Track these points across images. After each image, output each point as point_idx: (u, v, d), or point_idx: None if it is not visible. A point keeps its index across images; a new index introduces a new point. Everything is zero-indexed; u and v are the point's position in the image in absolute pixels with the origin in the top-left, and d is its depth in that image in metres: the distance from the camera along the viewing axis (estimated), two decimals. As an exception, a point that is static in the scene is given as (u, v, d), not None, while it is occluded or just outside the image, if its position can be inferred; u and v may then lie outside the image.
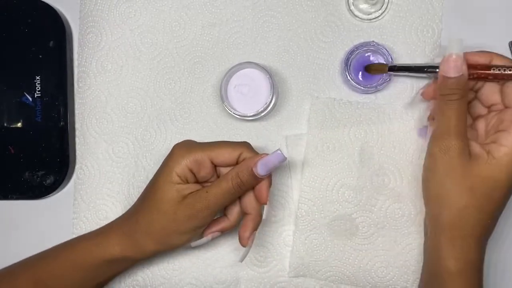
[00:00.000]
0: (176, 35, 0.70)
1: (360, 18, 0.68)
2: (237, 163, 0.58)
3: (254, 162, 0.56)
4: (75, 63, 0.71)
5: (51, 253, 0.62)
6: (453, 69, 0.55)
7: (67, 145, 0.69)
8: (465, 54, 0.56)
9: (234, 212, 0.61)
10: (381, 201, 0.67)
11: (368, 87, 0.66)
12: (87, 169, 0.70)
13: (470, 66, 0.57)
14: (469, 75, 0.56)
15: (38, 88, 0.68)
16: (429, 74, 0.62)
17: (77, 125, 0.71)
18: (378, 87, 0.66)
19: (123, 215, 0.63)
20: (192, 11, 0.70)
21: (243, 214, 0.60)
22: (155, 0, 0.70)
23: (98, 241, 0.61)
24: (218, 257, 0.69)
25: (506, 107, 0.58)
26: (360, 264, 0.67)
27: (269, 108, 0.66)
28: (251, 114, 0.65)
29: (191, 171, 0.58)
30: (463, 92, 0.55)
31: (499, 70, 0.56)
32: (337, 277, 0.67)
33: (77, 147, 0.71)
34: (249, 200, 0.59)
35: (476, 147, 0.56)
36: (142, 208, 0.60)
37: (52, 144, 0.68)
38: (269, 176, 0.58)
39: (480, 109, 0.61)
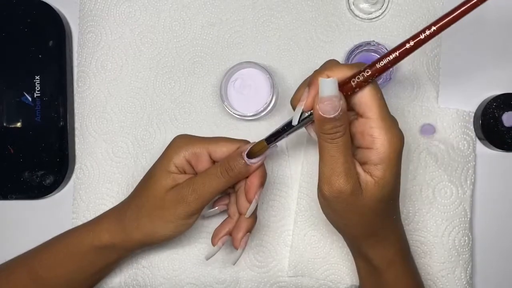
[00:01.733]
0: (176, 35, 0.70)
1: (360, 17, 0.68)
2: None
3: (244, 147, 0.56)
4: (75, 62, 0.71)
5: (46, 244, 0.63)
6: (331, 110, 0.48)
7: (67, 145, 0.69)
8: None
9: (236, 212, 0.60)
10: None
11: (368, 87, 0.65)
12: (86, 169, 0.70)
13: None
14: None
15: (37, 88, 0.68)
16: (304, 124, 0.54)
17: (76, 125, 0.71)
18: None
19: (119, 203, 0.63)
20: (192, 11, 0.70)
21: (239, 214, 0.60)
22: (155, -1, 0.70)
23: (89, 229, 0.61)
24: (218, 257, 0.69)
25: (361, 117, 0.51)
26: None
27: (269, 108, 0.66)
28: (251, 114, 0.65)
29: (189, 163, 0.58)
30: (345, 126, 0.50)
31: (359, 78, 0.49)
32: (336, 276, 0.67)
33: (77, 147, 0.71)
34: (243, 199, 0.59)
35: (361, 173, 0.51)
36: (134, 194, 0.60)
37: (52, 144, 0.68)
38: (261, 176, 0.58)
39: None
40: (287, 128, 0.54)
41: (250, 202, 0.57)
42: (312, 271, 0.68)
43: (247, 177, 0.58)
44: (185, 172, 0.58)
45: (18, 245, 0.63)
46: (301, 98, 0.52)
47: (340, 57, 0.68)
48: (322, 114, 0.49)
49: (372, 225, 0.54)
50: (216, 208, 0.61)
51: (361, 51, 0.66)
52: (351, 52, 0.66)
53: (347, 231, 0.57)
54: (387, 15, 0.68)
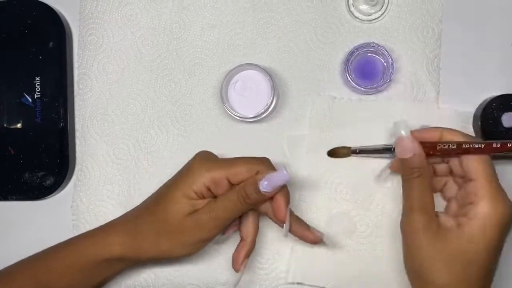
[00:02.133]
0: (176, 37, 0.70)
1: (360, 19, 0.68)
2: None
3: (260, 177, 0.56)
4: (75, 64, 0.71)
5: (50, 252, 0.62)
6: (406, 151, 0.57)
7: (67, 146, 0.69)
8: (413, 132, 0.58)
9: (249, 231, 0.61)
10: (379, 199, 0.67)
11: (368, 88, 0.66)
12: (87, 170, 0.70)
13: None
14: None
15: (38, 89, 0.68)
16: (390, 154, 0.63)
17: (77, 127, 0.71)
18: (379, 88, 0.66)
19: (126, 215, 0.63)
20: (192, 13, 0.70)
21: (240, 239, 0.61)
22: (156, 2, 0.70)
23: (97, 239, 0.61)
24: (220, 259, 0.69)
25: (468, 180, 0.57)
26: (360, 264, 0.67)
27: (269, 110, 0.66)
28: (252, 116, 0.65)
29: (208, 188, 0.58)
30: (421, 170, 0.57)
31: (444, 146, 0.58)
32: (338, 282, 0.67)
33: (78, 148, 0.71)
34: (246, 226, 0.61)
35: (448, 221, 0.57)
36: (150, 214, 0.60)
37: (52, 145, 0.68)
38: (286, 194, 0.59)
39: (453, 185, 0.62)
40: (382, 151, 0.64)
41: (283, 222, 0.58)
42: (311, 279, 0.67)
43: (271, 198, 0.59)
44: (203, 197, 0.58)
45: (18, 245, 0.63)
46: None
47: (340, 59, 0.68)
48: (400, 156, 0.57)
49: (448, 285, 0.55)
50: (242, 268, 0.61)
51: (361, 53, 0.66)
52: (350, 54, 0.66)
53: (420, 279, 0.58)
54: (387, 17, 0.68)
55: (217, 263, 0.69)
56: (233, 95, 0.66)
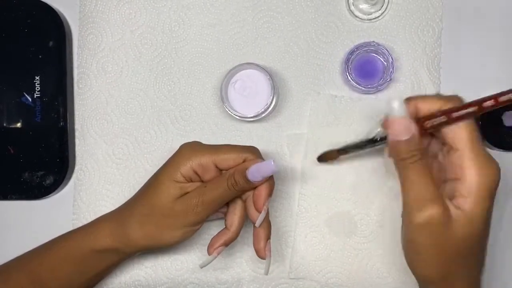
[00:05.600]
0: (176, 36, 0.70)
1: (360, 18, 0.68)
2: None
3: (248, 165, 0.56)
4: (75, 64, 0.71)
5: (45, 247, 0.62)
6: (402, 132, 0.49)
7: (67, 145, 0.69)
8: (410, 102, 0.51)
9: (234, 222, 0.60)
10: (379, 199, 0.67)
11: (368, 87, 0.66)
12: (87, 170, 0.70)
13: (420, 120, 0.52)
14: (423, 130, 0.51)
15: (37, 88, 0.68)
16: (382, 143, 0.57)
17: (77, 126, 0.71)
18: (379, 87, 0.66)
19: (117, 208, 0.63)
20: (192, 12, 0.70)
21: (252, 225, 0.60)
22: (155, 1, 0.70)
23: (89, 232, 0.61)
24: (220, 258, 0.69)
25: (451, 149, 0.50)
26: (360, 263, 0.67)
27: (269, 109, 0.65)
28: (252, 115, 0.65)
29: (195, 173, 0.58)
30: (421, 151, 0.49)
31: (434, 122, 0.50)
32: (337, 278, 0.67)
33: (77, 148, 0.71)
34: (231, 215, 0.60)
35: (449, 205, 0.50)
36: (138, 201, 0.60)
37: (52, 144, 0.68)
38: (269, 185, 0.58)
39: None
40: (362, 144, 0.59)
41: (259, 212, 0.58)
42: (313, 274, 0.67)
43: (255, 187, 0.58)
44: (191, 181, 0.59)
45: (18, 245, 0.63)
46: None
47: (340, 58, 0.68)
48: (395, 138, 0.49)
49: (450, 266, 0.51)
50: (215, 253, 0.59)
51: (361, 52, 0.66)
52: (351, 53, 0.66)
53: (421, 269, 0.52)
54: (387, 16, 0.68)
55: (216, 262, 0.69)
56: (233, 95, 0.66)
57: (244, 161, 0.58)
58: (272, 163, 0.55)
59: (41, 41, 0.68)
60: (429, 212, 0.48)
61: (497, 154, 0.68)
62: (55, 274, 0.61)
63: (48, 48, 0.68)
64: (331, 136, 0.67)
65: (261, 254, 0.59)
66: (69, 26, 0.71)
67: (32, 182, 0.69)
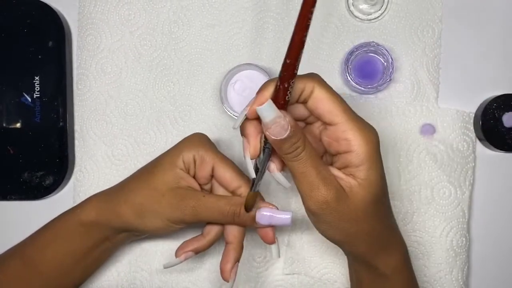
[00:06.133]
0: (175, 37, 0.70)
1: (360, 18, 0.68)
2: (231, 192, 0.58)
3: (260, 206, 0.56)
4: (74, 65, 0.71)
5: (38, 229, 0.62)
6: (281, 131, 0.46)
7: (66, 145, 0.69)
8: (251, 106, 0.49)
9: (212, 232, 0.59)
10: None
11: (368, 88, 0.66)
12: (86, 171, 0.70)
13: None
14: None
15: (37, 88, 0.68)
16: (268, 151, 0.50)
17: (76, 127, 0.71)
18: (379, 87, 0.65)
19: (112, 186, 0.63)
20: (191, 13, 0.70)
21: (225, 243, 0.59)
22: (154, 1, 0.70)
23: (76, 207, 0.61)
24: (214, 261, 0.69)
25: (329, 125, 0.50)
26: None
27: (269, 109, 0.65)
28: (251, 116, 0.65)
29: (194, 162, 0.58)
30: (303, 140, 0.48)
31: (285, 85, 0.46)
32: (332, 275, 0.67)
33: (77, 149, 0.70)
34: (232, 228, 0.58)
35: (343, 178, 0.50)
36: (133, 178, 0.60)
37: (51, 144, 0.68)
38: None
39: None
40: (258, 174, 0.52)
41: (271, 244, 0.57)
42: (308, 270, 0.68)
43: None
44: (188, 171, 0.58)
45: (18, 245, 0.63)
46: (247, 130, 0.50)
47: (340, 58, 0.68)
48: (275, 138, 0.47)
49: (370, 230, 0.52)
50: (182, 257, 0.58)
51: (361, 52, 0.66)
52: (350, 53, 0.66)
53: (348, 243, 0.53)
54: (387, 16, 0.68)
55: (211, 266, 0.69)
56: (233, 95, 0.66)
57: (239, 188, 0.57)
58: (289, 217, 0.55)
59: (40, 41, 0.68)
60: (323, 198, 0.48)
61: (497, 155, 0.68)
62: (44, 252, 0.60)
63: (47, 48, 0.68)
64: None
65: (225, 276, 0.57)
66: (68, 27, 0.71)
67: (32, 182, 0.69)
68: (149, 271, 0.69)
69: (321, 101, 0.49)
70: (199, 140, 0.59)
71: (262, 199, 0.57)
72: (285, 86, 0.45)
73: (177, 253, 0.58)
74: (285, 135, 0.46)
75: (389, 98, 0.68)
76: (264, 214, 0.55)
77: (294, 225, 0.68)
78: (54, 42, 0.68)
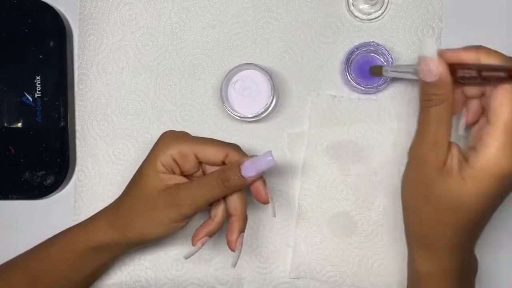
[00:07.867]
0: (176, 37, 0.70)
1: (360, 18, 0.68)
2: (223, 164, 0.58)
3: (242, 161, 0.56)
4: (75, 65, 0.71)
5: (42, 244, 0.62)
6: (428, 73, 0.49)
7: (67, 145, 0.69)
8: (444, 53, 0.51)
9: (218, 212, 0.59)
10: (379, 199, 0.67)
11: (368, 88, 0.66)
12: (87, 171, 0.70)
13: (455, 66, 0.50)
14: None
15: (38, 88, 0.68)
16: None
17: (77, 127, 0.71)
18: (379, 87, 0.66)
19: (113, 201, 0.63)
20: (192, 13, 0.70)
21: (228, 215, 0.59)
22: (156, 2, 0.70)
23: (84, 228, 0.61)
24: (221, 258, 0.69)
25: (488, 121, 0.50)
26: (361, 262, 0.67)
27: (269, 109, 0.66)
28: (252, 116, 0.65)
29: (175, 161, 0.57)
30: (442, 97, 0.49)
31: (464, 73, 0.49)
32: (338, 277, 0.67)
33: (78, 149, 0.71)
34: (232, 200, 0.58)
35: (454, 159, 0.50)
36: (125, 194, 0.60)
37: (52, 144, 0.68)
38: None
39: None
40: (408, 71, 0.55)
41: (265, 204, 0.57)
42: (314, 273, 0.67)
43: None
44: (173, 171, 0.58)
45: (18, 245, 0.63)
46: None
47: (340, 58, 0.68)
48: (422, 78, 0.49)
49: (431, 220, 0.52)
50: (199, 244, 0.59)
51: (361, 52, 0.66)
52: (350, 53, 0.66)
53: (412, 223, 0.55)
54: (387, 16, 0.68)
55: (217, 263, 0.69)
56: (233, 95, 0.66)
57: (226, 156, 0.57)
58: (270, 156, 0.55)
59: (42, 41, 0.68)
60: (421, 152, 0.51)
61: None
62: (50, 271, 0.60)
63: (49, 48, 0.68)
64: (331, 136, 0.67)
65: (231, 246, 0.57)
66: (69, 26, 0.71)
67: (33, 182, 0.69)
68: (154, 269, 0.70)
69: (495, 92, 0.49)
70: (169, 139, 0.59)
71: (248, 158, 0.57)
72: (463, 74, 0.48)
73: (193, 242, 0.58)
74: (427, 80, 0.49)
75: (389, 98, 0.68)
76: (246, 165, 0.55)
77: (298, 228, 0.68)
78: (55, 42, 0.68)
